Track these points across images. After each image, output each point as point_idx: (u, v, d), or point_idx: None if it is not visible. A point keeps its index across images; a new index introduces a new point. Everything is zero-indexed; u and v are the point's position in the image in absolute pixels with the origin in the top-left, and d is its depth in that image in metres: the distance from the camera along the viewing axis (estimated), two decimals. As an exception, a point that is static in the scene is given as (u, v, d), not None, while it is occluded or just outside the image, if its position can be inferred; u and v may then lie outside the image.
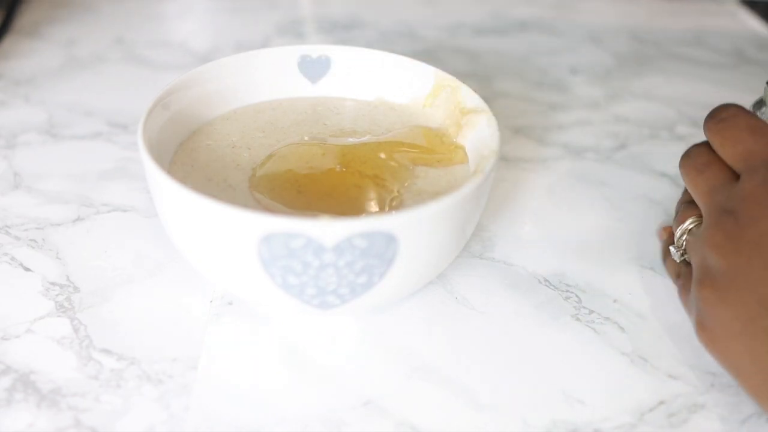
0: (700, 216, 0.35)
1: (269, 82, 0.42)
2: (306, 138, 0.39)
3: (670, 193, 0.45)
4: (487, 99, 0.39)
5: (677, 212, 0.37)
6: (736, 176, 0.32)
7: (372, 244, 0.30)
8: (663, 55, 0.63)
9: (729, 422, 0.32)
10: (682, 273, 0.36)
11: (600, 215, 0.43)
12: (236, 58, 0.41)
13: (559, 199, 0.44)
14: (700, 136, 0.51)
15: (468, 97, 0.39)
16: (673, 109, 0.54)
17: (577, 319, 0.36)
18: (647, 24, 0.70)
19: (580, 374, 0.33)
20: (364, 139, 0.39)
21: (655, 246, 0.41)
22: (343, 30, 0.63)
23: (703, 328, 0.31)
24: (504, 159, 0.47)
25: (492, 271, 0.39)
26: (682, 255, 0.36)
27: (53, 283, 0.37)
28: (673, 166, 0.47)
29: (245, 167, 0.37)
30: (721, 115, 0.33)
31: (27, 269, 0.37)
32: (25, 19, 0.61)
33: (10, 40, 0.58)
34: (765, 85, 0.37)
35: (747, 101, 0.40)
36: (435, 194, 0.36)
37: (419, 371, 0.33)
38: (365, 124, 0.41)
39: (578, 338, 0.35)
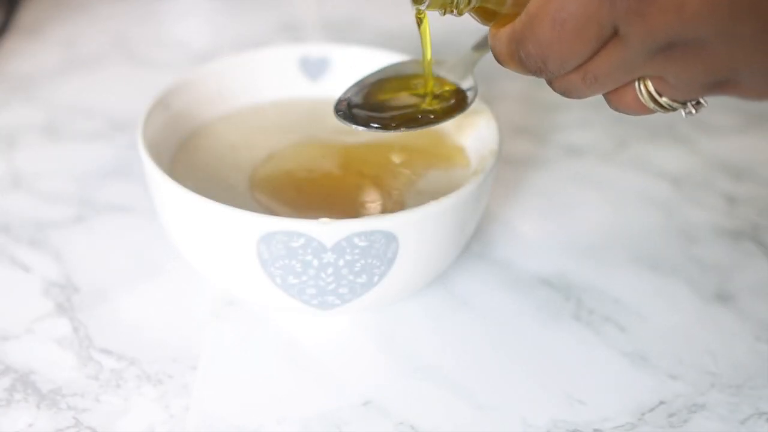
0: None
1: (269, 82, 0.42)
2: (306, 138, 0.39)
3: (670, 193, 0.45)
4: (487, 99, 0.38)
5: None
6: None
7: (372, 244, 0.30)
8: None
9: (729, 422, 0.32)
10: None
11: (600, 215, 0.43)
12: (236, 58, 0.41)
13: (559, 199, 0.44)
14: (701, 136, 0.51)
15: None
16: (673, 109, 0.54)
17: (578, 319, 0.36)
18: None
19: (580, 374, 0.33)
20: (364, 139, 0.39)
21: (655, 246, 0.41)
22: (343, 30, 0.62)
23: None
24: (504, 159, 0.47)
25: (492, 271, 0.38)
26: None
27: (53, 283, 0.37)
28: (673, 166, 0.47)
29: (245, 167, 0.37)
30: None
31: (27, 269, 0.37)
32: (25, 18, 0.61)
33: (10, 39, 0.58)
34: None
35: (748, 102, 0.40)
36: (435, 194, 0.36)
37: (419, 371, 0.33)
38: (365, 124, 0.41)
39: (578, 338, 0.35)
